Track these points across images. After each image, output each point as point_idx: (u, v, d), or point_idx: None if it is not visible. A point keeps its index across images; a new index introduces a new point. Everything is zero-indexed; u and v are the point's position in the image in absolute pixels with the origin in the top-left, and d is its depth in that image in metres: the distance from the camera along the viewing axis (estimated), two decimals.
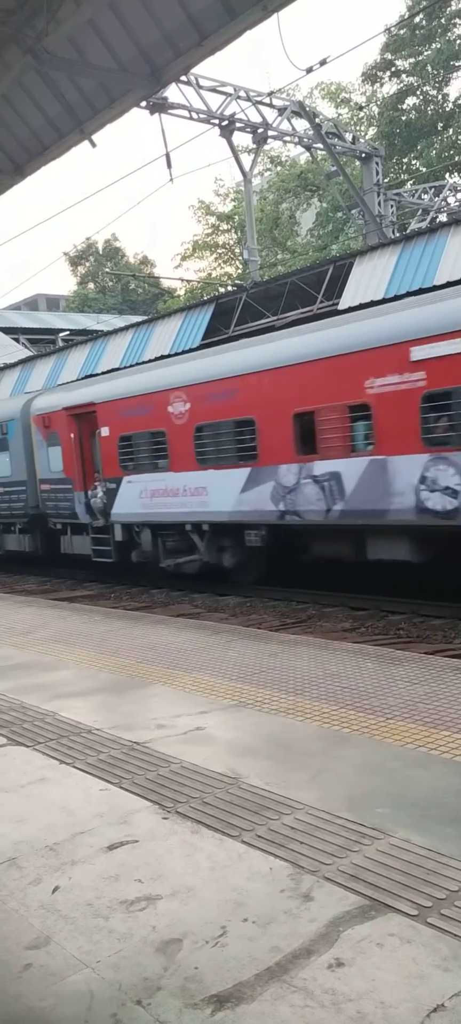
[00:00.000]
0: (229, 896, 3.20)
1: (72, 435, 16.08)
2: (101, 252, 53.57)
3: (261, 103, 22.42)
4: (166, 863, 3.53)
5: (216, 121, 21.38)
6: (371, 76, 35.94)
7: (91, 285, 53.08)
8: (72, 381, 19.98)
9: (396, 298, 12.54)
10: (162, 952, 2.87)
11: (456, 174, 34.43)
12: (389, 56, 34.88)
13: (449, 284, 11.81)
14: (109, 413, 15.04)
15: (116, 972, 2.78)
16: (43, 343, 33.20)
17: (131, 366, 18.74)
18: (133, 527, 14.88)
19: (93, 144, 11.58)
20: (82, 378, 19.91)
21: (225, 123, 21.55)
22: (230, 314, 18.25)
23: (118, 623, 9.75)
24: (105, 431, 15.16)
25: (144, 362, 18.20)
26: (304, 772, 4.39)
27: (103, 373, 18.92)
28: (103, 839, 3.81)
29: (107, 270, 49.69)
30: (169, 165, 16.91)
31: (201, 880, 3.35)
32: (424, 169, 33.19)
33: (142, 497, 14.39)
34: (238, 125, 22.07)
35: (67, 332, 33.52)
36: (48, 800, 4.38)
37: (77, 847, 3.76)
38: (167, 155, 16.81)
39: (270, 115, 22.88)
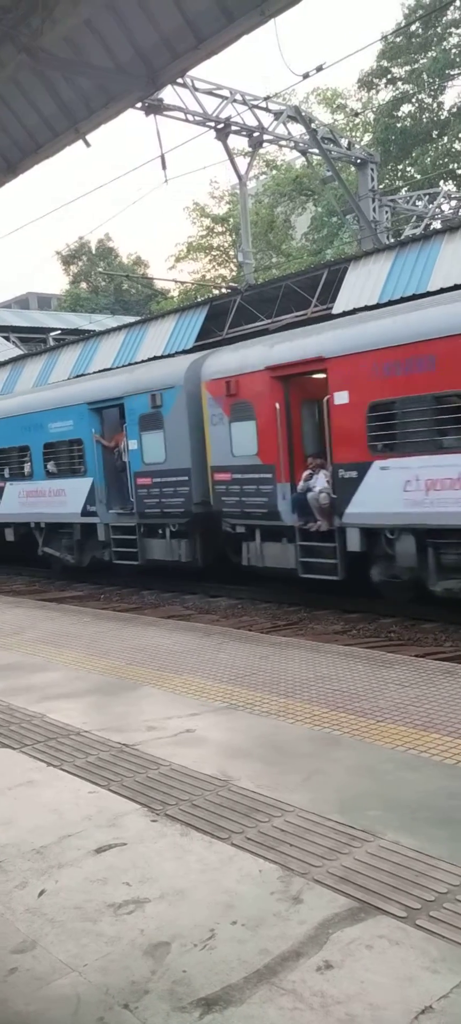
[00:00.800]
0: (218, 899, 3.18)
1: (277, 405, 11.84)
2: (94, 252, 53.51)
3: (257, 107, 22.45)
4: (155, 866, 3.51)
5: (212, 124, 21.40)
6: (367, 83, 36.10)
7: (83, 285, 52.99)
8: (273, 331, 14.90)
9: None
10: (150, 955, 2.85)
11: (450, 181, 34.60)
12: (385, 63, 35.02)
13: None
14: (352, 371, 10.81)
15: (103, 976, 2.76)
16: (34, 342, 33.09)
17: (377, 306, 13.48)
18: (383, 532, 10.75)
19: (88, 144, 11.54)
20: (288, 325, 15.32)
21: (221, 126, 21.56)
22: (224, 316, 18.25)
23: (108, 624, 9.72)
24: (342, 397, 10.98)
25: (414, 296, 13.29)
26: (295, 774, 4.38)
27: (331, 317, 13.95)
28: (91, 842, 3.79)
29: (100, 270, 49.63)
30: (164, 166, 16.90)
31: (190, 883, 3.33)
32: (419, 176, 33.35)
33: (409, 490, 10.21)
34: (234, 128, 22.09)
35: (59, 331, 33.43)
36: (36, 803, 4.35)
37: (65, 850, 3.73)
38: (162, 156, 16.81)
39: (266, 119, 22.91)
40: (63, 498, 16.01)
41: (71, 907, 3.23)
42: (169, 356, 17.23)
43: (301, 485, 11.69)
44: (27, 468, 17.15)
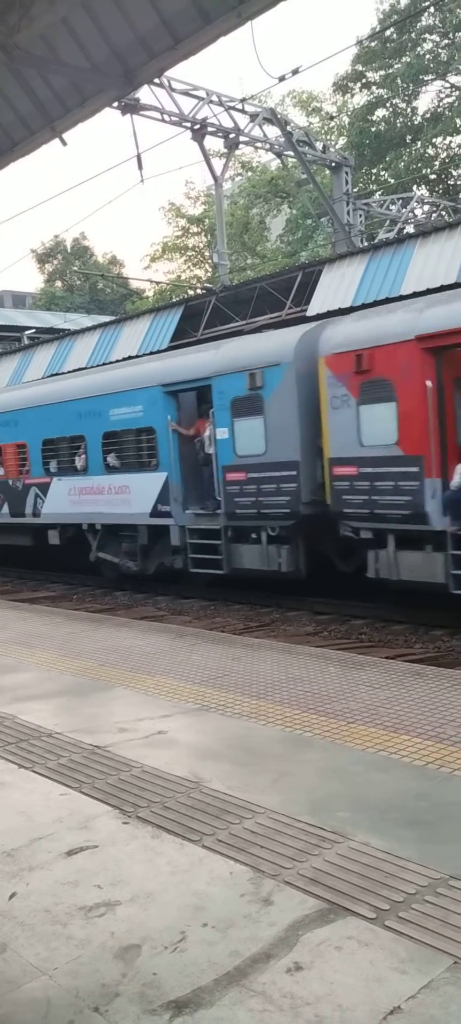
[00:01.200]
0: (189, 901, 3.19)
1: (428, 383, 9.76)
2: (69, 250, 53.11)
3: (233, 108, 22.47)
4: (126, 868, 3.51)
5: (188, 124, 21.37)
6: (342, 86, 36.31)
7: (58, 283, 52.58)
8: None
9: None
10: (121, 958, 2.85)
11: (423, 186, 34.98)
12: (360, 67, 35.26)
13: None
14: None
15: (74, 979, 2.75)
16: (8, 340, 32.78)
17: None
18: None
19: (64, 142, 11.49)
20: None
21: (197, 127, 21.54)
22: (199, 317, 18.26)
23: (81, 625, 9.67)
24: None
25: None
26: (266, 776, 4.41)
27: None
28: (62, 844, 3.78)
29: (75, 269, 49.29)
30: (140, 166, 16.88)
31: (161, 885, 3.34)
32: (392, 180, 33.65)
33: None
34: (210, 129, 22.08)
35: (33, 330, 33.16)
36: (6, 805, 4.32)
37: (35, 853, 3.72)
38: (138, 156, 16.78)
39: (242, 120, 22.94)
40: (127, 496, 13.81)
41: (41, 910, 3.22)
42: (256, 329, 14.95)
43: (455, 481, 9.70)
44: (80, 461, 14.87)
